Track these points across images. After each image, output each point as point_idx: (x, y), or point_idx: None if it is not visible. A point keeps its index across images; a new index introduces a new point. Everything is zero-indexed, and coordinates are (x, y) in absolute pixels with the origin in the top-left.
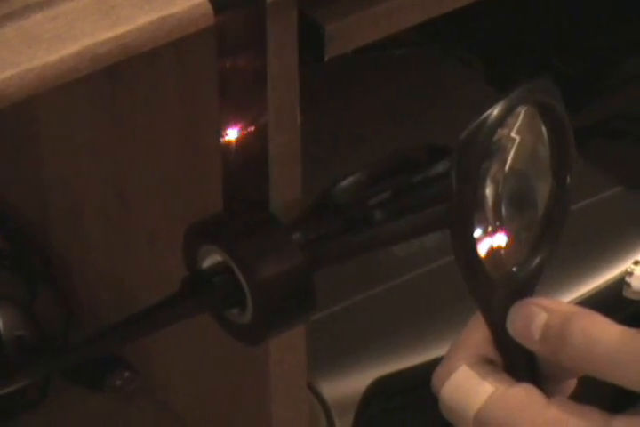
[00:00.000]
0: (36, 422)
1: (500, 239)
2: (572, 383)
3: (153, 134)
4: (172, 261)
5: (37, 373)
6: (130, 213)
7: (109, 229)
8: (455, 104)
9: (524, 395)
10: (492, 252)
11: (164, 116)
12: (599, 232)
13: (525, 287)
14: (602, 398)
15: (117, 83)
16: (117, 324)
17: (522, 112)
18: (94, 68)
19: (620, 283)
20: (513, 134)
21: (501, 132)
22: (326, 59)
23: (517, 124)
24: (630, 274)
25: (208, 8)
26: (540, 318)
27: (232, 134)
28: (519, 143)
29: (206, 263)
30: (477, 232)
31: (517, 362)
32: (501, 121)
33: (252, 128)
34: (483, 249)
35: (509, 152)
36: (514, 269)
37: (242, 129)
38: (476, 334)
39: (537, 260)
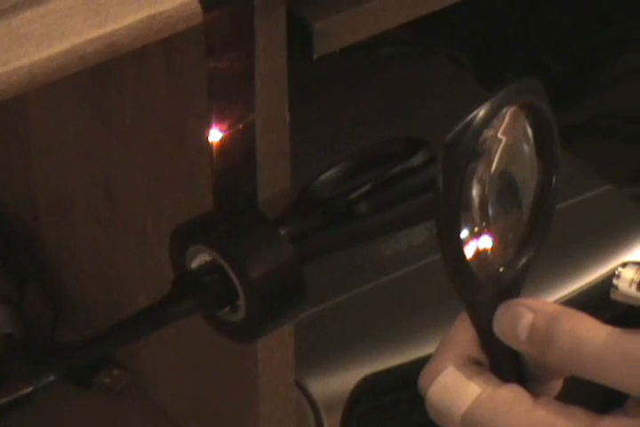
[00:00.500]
0: (24, 419)
1: (487, 240)
2: (558, 384)
3: (142, 133)
4: (161, 260)
5: (38, 379)
6: (119, 213)
7: (98, 227)
8: (444, 102)
9: (510, 396)
10: (479, 252)
11: (153, 114)
12: (586, 231)
13: (512, 288)
14: (589, 399)
15: (106, 81)
16: (111, 328)
17: (508, 113)
18: (84, 67)
19: (607, 282)
20: (499, 135)
21: (487, 133)
22: (315, 57)
23: (503, 125)
24: (618, 276)
25: (197, 6)
26: (527, 318)
27: (220, 132)
28: (505, 144)
29: (195, 264)
30: (464, 233)
31: (504, 363)
32: (487, 122)
33: (241, 126)
34: (469, 250)
35: (495, 153)
36: (500, 269)
37: (230, 127)
38: (463, 334)
39: (523, 260)
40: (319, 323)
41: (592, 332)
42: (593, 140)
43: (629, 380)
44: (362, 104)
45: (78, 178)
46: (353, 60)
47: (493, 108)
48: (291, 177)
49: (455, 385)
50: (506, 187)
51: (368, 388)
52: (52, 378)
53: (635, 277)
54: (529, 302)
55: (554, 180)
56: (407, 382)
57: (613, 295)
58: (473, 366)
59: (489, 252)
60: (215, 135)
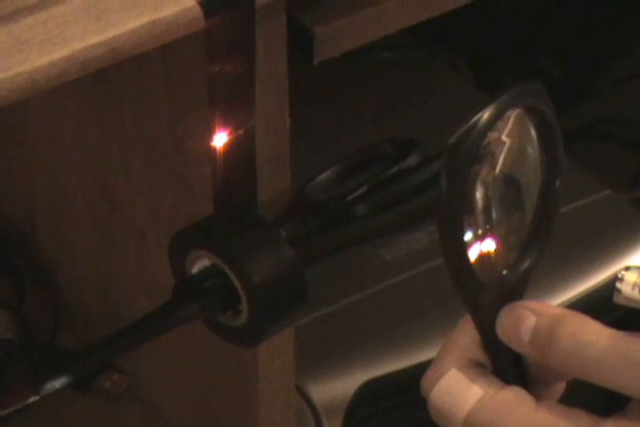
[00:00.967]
0: (24, 424)
1: (490, 243)
2: (560, 387)
3: (141, 138)
4: (160, 265)
5: (44, 388)
6: (118, 217)
7: (97, 232)
8: (443, 107)
9: (513, 398)
10: (482, 255)
11: (153, 119)
12: (587, 235)
13: (514, 290)
14: (591, 402)
15: (106, 86)
16: (114, 334)
17: (512, 116)
18: (84, 72)
19: (609, 285)
20: (503, 138)
21: (491, 135)
22: (315, 62)
23: (507, 128)
24: (621, 280)
25: (198, 12)
26: (529, 321)
27: (221, 138)
28: (509, 147)
29: (195, 269)
30: (467, 235)
31: (506, 365)
32: (491, 124)
33: (241, 131)
34: (472, 252)
35: (499, 156)
36: (503, 272)
37: (231, 132)
38: (465, 337)
39: (526, 263)
40: (320, 327)
41: (595, 335)
42: (592, 145)
43: (631, 383)
44: (362, 109)
45: (77, 183)
46: (353, 65)
47: (497, 111)
48: (291, 182)
49: (458, 387)
50: (509, 190)
51: (369, 392)
52: (57, 386)
53: (638, 281)
54: (532, 304)
55: (557, 183)
56: (408, 386)
57: (616, 299)
58: (475, 368)
59: (492, 255)
60: (215, 140)
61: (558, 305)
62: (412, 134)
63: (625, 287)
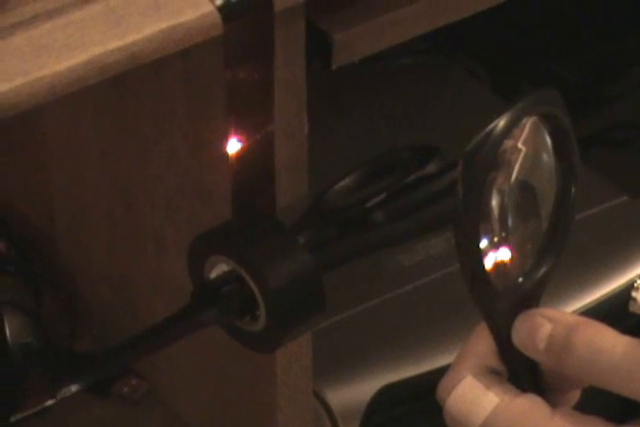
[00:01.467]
0: None
1: (506, 250)
2: (576, 394)
3: (160, 143)
4: (179, 269)
5: (61, 392)
6: (136, 221)
7: (115, 236)
8: (461, 113)
9: (528, 405)
10: (498, 262)
11: (171, 124)
12: (603, 242)
13: (530, 298)
14: (606, 409)
15: (124, 92)
16: (132, 339)
17: (528, 123)
18: (103, 77)
19: (624, 292)
20: (519, 145)
21: (507, 143)
22: (334, 67)
23: (523, 136)
24: (636, 289)
25: (217, 17)
26: (545, 328)
27: (239, 143)
28: (525, 154)
29: (213, 274)
30: (483, 243)
31: (522, 373)
32: (507, 132)
33: (259, 137)
34: (488, 260)
35: (515, 163)
36: (519, 279)
37: (249, 137)
38: (481, 344)
39: (542, 270)
40: (337, 333)
41: (610, 342)
42: (609, 151)
43: None
44: (380, 114)
45: (96, 188)
46: (371, 71)
47: (513, 119)
48: (309, 187)
49: (473, 395)
50: (525, 197)
51: (386, 398)
52: (74, 390)
53: None
54: (547, 312)
55: (573, 190)
56: (425, 392)
57: (632, 308)
58: (491, 375)
59: (508, 262)
60: (234, 145)
61: (573, 312)
62: (429, 140)
63: None
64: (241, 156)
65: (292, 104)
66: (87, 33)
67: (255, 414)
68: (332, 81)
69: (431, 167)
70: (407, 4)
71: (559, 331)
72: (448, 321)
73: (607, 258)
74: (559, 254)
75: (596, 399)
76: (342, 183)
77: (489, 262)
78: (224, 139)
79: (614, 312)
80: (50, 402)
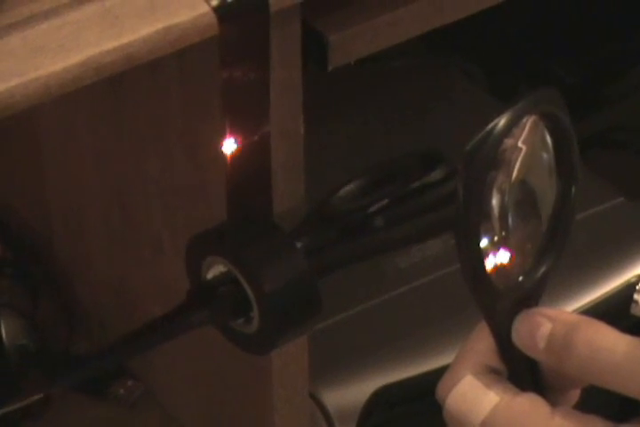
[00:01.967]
0: None
1: (506, 250)
2: (576, 393)
3: (156, 144)
4: (176, 271)
5: (50, 388)
6: (133, 224)
7: (112, 238)
8: (458, 115)
9: (528, 405)
10: (498, 262)
11: (167, 125)
12: (601, 242)
13: (530, 297)
14: (605, 408)
15: (120, 93)
16: (125, 337)
17: (528, 122)
18: (99, 78)
19: (623, 292)
20: (519, 144)
21: (507, 142)
22: (330, 69)
23: (523, 135)
24: (639, 292)
25: (212, 18)
26: (545, 327)
27: (235, 144)
28: (525, 153)
29: (210, 274)
30: (483, 242)
31: (522, 372)
32: (508, 131)
33: (256, 137)
34: (488, 259)
35: (515, 162)
36: (519, 278)
37: (245, 138)
38: (481, 343)
39: (542, 269)
40: (334, 334)
41: (611, 341)
42: (606, 153)
43: None
44: (375, 116)
45: (92, 189)
46: (367, 72)
47: (514, 118)
48: (305, 188)
49: (473, 394)
50: (525, 196)
51: (382, 400)
52: (68, 385)
53: None
54: (547, 311)
55: (573, 189)
56: (421, 393)
57: (633, 310)
58: (491, 375)
59: (508, 261)
60: (230, 146)
61: (572, 311)
62: (425, 141)
63: None
64: (237, 156)
65: (288, 105)
66: (83, 34)
67: (251, 416)
68: (327, 82)
69: (436, 174)
70: (403, 5)
71: (559, 330)
72: (444, 323)
73: (605, 258)
74: (560, 254)
75: (595, 398)
76: (346, 189)
77: (489, 262)
78: (220, 139)
79: (613, 311)
80: (37, 396)
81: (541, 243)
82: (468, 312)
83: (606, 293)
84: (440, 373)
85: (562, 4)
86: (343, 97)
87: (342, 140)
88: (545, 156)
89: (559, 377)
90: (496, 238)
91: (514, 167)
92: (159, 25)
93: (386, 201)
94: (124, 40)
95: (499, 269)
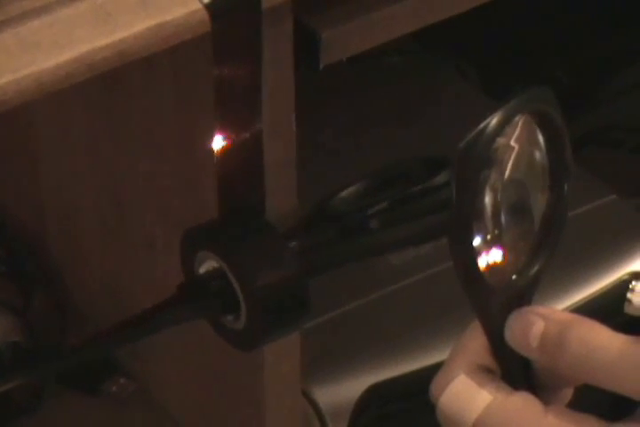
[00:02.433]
0: None
1: (499, 248)
2: (569, 392)
3: (149, 141)
4: (169, 268)
5: (32, 374)
6: (126, 220)
7: (105, 235)
8: (451, 113)
9: (521, 404)
10: (491, 260)
11: (160, 122)
12: (593, 240)
13: (523, 295)
14: (598, 407)
15: (113, 90)
16: (112, 327)
17: (520, 121)
18: (91, 75)
19: (615, 290)
20: (512, 143)
21: (500, 140)
22: (322, 66)
23: (516, 133)
24: (632, 290)
25: (204, 15)
26: (538, 326)
27: (227, 141)
28: (518, 152)
29: (203, 269)
30: (476, 241)
31: (515, 370)
32: (500, 130)
33: (248, 135)
34: (481, 257)
35: (508, 161)
36: (512, 277)
37: (237, 136)
38: (474, 342)
39: (535, 268)
40: (326, 332)
41: (603, 339)
42: (599, 151)
43: None
44: (368, 113)
45: (86, 186)
46: (359, 70)
47: (506, 116)
48: (297, 186)
49: (466, 393)
50: (518, 195)
51: (374, 397)
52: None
53: None
54: (540, 309)
55: (565, 188)
56: (414, 390)
57: (627, 309)
58: (484, 373)
59: (501, 259)
60: (222, 143)
61: (564, 309)
62: (418, 139)
63: (636, 298)
64: (229, 154)
65: (281, 102)
66: (75, 30)
67: (244, 413)
68: (320, 79)
69: (440, 178)
70: (396, 1)
71: (552, 328)
72: (436, 320)
73: (597, 256)
74: (553, 252)
75: (588, 397)
76: (348, 190)
77: (482, 260)
78: (213, 137)
79: (605, 310)
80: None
81: (534, 241)
82: (461, 310)
83: (599, 290)
84: (433, 370)
85: (556, 3)
86: (335, 95)
87: (334, 137)
88: (538, 154)
89: (552, 376)
90: (489, 237)
91: (506, 166)
92: (151, 22)
93: (385, 203)
94: (117, 37)
95: (492, 267)
